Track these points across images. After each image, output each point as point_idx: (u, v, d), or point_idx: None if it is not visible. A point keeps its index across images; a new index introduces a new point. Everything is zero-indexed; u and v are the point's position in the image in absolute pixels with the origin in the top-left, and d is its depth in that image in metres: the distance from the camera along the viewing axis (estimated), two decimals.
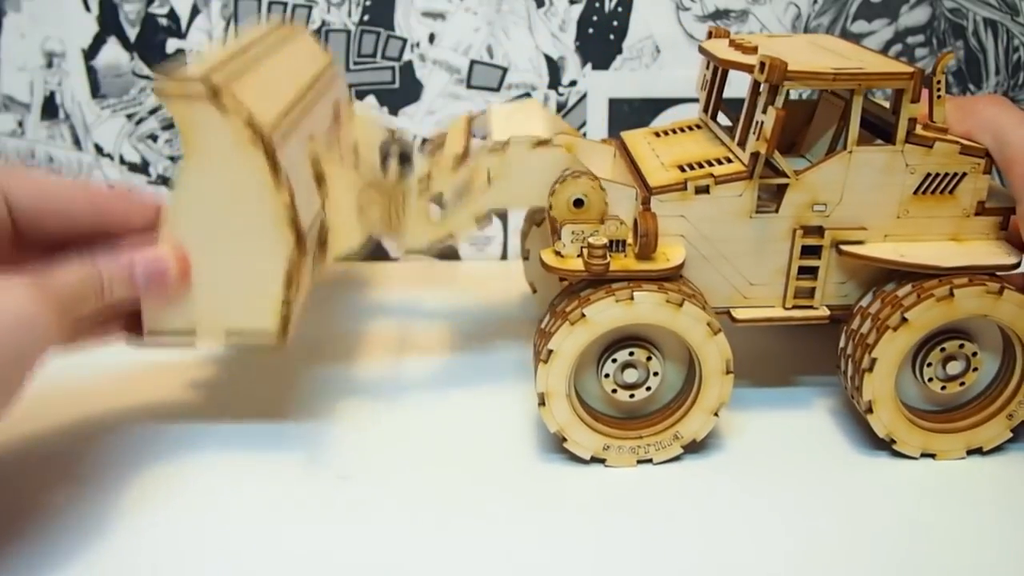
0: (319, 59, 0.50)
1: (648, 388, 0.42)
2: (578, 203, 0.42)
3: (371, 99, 0.65)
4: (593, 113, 0.66)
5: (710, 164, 0.43)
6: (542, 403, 0.41)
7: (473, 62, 0.64)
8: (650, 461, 0.43)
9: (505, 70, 0.64)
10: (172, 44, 0.62)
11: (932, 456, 0.43)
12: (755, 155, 0.41)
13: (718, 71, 0.49)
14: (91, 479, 0.41)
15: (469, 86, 0.65)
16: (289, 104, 0.41)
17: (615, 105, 0.66)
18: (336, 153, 0.45)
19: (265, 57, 0.43)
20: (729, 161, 0.43)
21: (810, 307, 0.44)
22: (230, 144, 0.36)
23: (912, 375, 0.43)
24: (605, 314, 0.40)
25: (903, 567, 0.37)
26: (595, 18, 0.63)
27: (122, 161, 0.65)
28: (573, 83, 0.65)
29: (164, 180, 0.66)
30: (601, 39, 0.64)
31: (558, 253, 0.42)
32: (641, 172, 0.44)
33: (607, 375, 0.42)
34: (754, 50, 0.44)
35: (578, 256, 0.41)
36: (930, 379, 0.42)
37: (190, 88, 0.36)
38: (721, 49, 0.46)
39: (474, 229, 0.46)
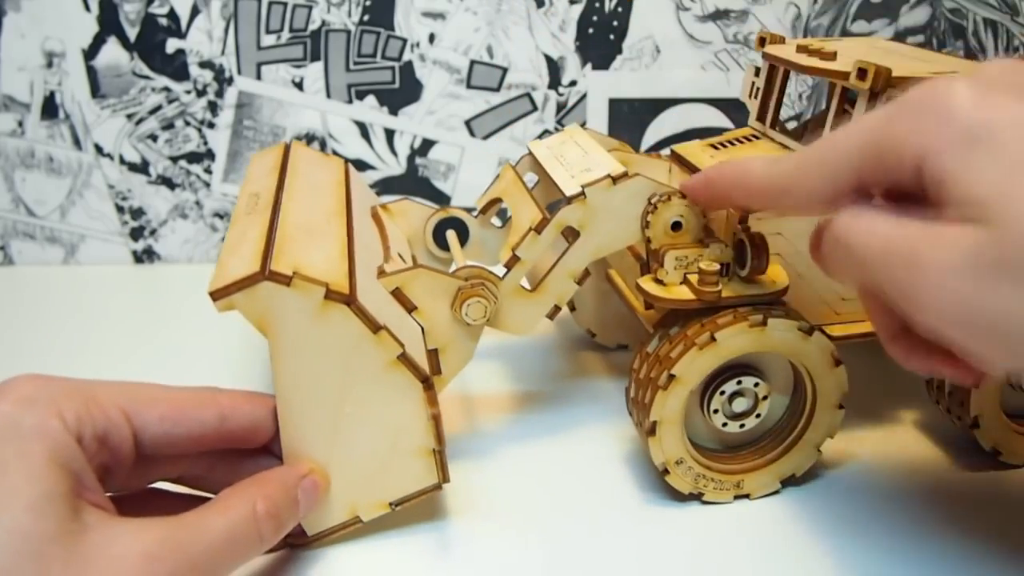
0: (335, 172, 0.47)
1: (758, 415, 0.40)
2: (675, 226, 0.39)
3: (371, 99, 0.65)
4: (593, 113, 0.66)
5: None
6: (652, 432, 0.38)
7: (473, 62, 0.64)
8: (748, 496, 0.41)
9: (505, 70, 0.64)
10: (172, 44, 0.62)
11: None
12: None
13: (776, 78, 0.47)
14: None
15: (469, 86, 0.65)
16: (344, 245, 0.38)
17: (615, 105, 0.66)
18: (405, 268, 0.41)
19: (289, 201, 0.40)
20: None
21: None
22: (313, 317, 0.33)
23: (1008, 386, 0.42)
24: (736, 340, 0.37)
25: None
26: (595, 18, 0.63)
27: (122, 161, 0.65)
28: (573, 83, 0.65)
29: (164, 180, 0.66)
30: (601, 39, 0.64)
31: (659, 281, 0.39)
32: None
33: (716, 411, 0.39)
34: (832, 56, 0.42)
35: (681, 283, 0.39)
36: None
37: (248, 281, 0.32)
38: (794, 55, 0.44)
39: (575, 289, 0.42)
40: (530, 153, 0.48)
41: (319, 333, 0.34)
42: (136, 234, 0.67)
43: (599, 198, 0.40)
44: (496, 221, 0.50)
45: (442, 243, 0.50)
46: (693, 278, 0.39)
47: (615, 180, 0.40)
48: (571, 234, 0.41)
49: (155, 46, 0.62)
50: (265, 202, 0.39)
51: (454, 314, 0.40)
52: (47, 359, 0.54)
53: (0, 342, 0.56)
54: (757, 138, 0.48)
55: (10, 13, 0.61)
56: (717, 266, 0.38)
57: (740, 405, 0.39)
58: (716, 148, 0.47)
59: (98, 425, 0.31)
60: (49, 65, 0.62)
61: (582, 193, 0.40)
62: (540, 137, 0.66)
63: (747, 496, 0.41)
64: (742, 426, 0.40)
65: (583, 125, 0.65)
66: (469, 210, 0.50)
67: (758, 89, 0.48)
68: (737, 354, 0.38)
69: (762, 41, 0.48)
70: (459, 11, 0.63)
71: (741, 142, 0.48)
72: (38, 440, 0.29)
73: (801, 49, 0.44)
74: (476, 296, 0.40)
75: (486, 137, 0.66)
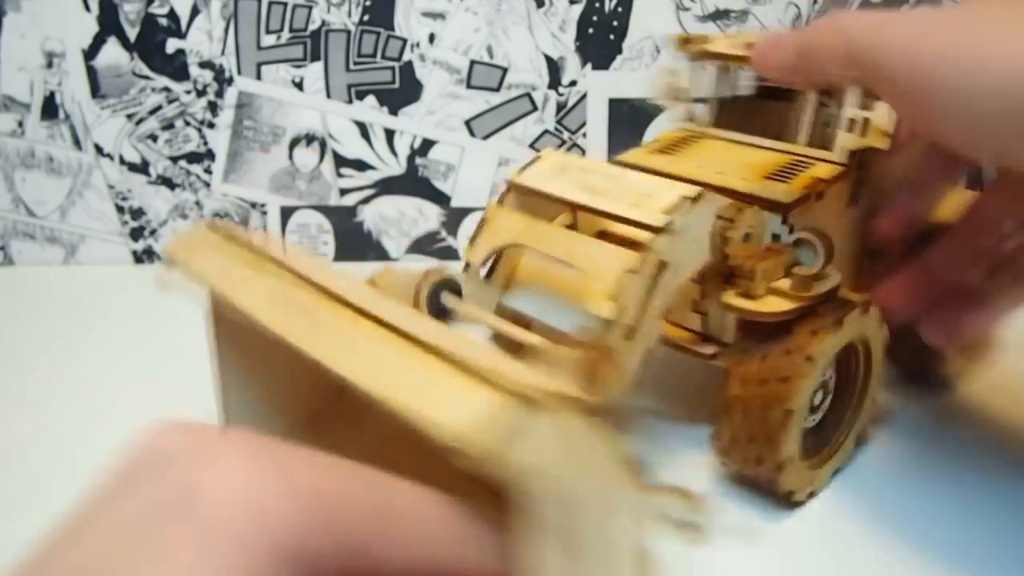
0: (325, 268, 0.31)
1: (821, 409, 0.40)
2: (746, 237, 0.38)
3: (371, 99, 0.65)
4: (593, 113, 0.66)
5: (793, 169, 0.42)
6: (785, 423, 0.37)
7: (473, 62, 0.64)
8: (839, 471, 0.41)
9: (505, 70, 0.64)
10: (172, 44, 0.62)
11: None
12: (855, 152, 0.42)
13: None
14: None
15: (469, 86, 0.65)
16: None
17: (615, 105, 0.66)
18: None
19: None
20: (807, 163, 0.42)
21: None
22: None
23: None
24: (854, 326, 0.38)
25: None
26: (595, 18, 0.63)
27: (122, 161, 0.65)
28: (573, 83, 0.65)
29: (164, 180, 0.66)
30: (601, 39, 0.64)
31: (747, 296, 0.38)
32: (728, 191, 0.41)
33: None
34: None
35: (768, 294, 0.38)
36: None
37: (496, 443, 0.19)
38: (740, 49, 0.44)
39: (662, 329, 0.38)
40: (512, 187, 0.43)
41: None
42: (136, 234, 0.67)
43: (680, 223, 0.37)
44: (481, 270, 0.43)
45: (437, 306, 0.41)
46: (778, 286, 0.38)
47: (692, 204, 0.37)
48: (657, 267, 0.37)
49: (155, 46, 0.62)
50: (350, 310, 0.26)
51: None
52: (47, 359, 0.54)
53: (0, 342, 0.56)
54: (698, 138, 0.48)
55: (10, 13, 0.61)
56: (814, 269, 0.38)
57: (817, 398, 0.39)
58: (666, 153, 0.46)
59: (338, 560, 0.19)
60: (49, 65, 0.62)
61: (669, 221, 0.37)
62: (532, 145, 0.66)
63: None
64: (815, 420, 0.40)
65: (581, 127, 0.65)
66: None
67: (685, 90, 0.48)
68: (849, 339, 0.39)
69: (684, 42, 0.47)
70: (459, 11, 0.63)
71: (688, 143, 0.47)
72: (238, 553, 0.17)
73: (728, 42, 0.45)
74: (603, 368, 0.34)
75: (486, 137, 0.66)
